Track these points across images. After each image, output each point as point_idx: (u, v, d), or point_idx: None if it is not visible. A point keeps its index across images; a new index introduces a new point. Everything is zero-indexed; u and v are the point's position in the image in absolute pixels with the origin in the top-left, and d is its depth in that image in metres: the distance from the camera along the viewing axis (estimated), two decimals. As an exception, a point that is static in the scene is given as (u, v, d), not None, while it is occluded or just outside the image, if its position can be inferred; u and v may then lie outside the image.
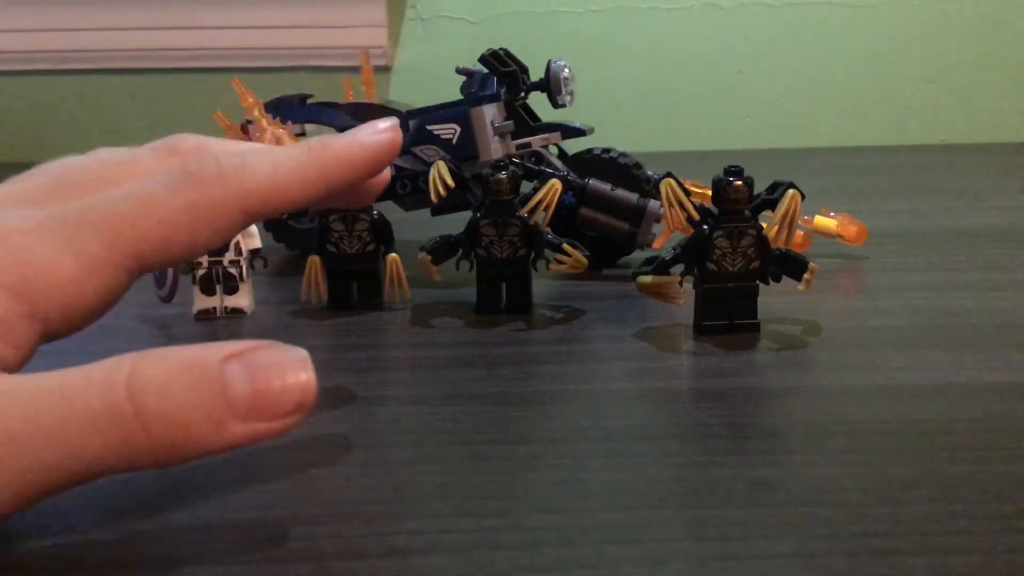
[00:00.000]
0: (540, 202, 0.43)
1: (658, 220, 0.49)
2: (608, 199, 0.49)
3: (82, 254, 0.25)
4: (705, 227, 0.40)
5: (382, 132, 0.30)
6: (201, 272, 0.44)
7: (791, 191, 0.39)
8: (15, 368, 0.25)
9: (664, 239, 0.51)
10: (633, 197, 0.49)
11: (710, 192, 0.40)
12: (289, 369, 0.23)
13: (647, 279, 0.40)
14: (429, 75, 0.99)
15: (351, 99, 0.57)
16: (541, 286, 0.47)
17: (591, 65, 0.96)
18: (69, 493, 0.23)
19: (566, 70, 0.52)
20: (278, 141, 0.51)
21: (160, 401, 0.22)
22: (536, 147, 0.51)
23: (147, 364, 0.22)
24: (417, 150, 0.51)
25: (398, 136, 0.30)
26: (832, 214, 0.54)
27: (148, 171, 0.28)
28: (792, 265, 0.40)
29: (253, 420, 0.22)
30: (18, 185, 0.27)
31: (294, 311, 0.45)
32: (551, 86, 0.51)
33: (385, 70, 1.01)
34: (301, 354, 0.23)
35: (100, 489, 0.25)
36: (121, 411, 0.22)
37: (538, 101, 0.52)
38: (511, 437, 0.31)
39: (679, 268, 0.40)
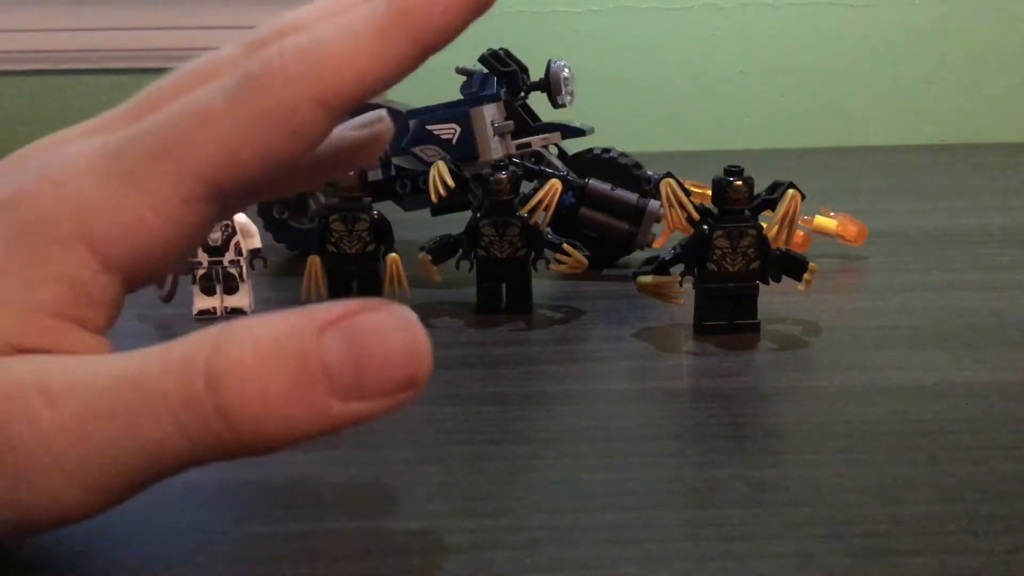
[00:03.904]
0: (540, 202, 0.43)
1: (658, 220, 0.49)
2: (608, 199, 0.49)
3: (143, 189, 0.22)
4: (705, 227, 0.40)
5: None
6: (201, 272, 0.44)
7: (791, 191, 0.39)
8: (104, 327, 0.23)
9: (664, 239, 0.51)
10: (633, 197, 0.49)
11: (710, 192, 0.40)
12: (397, 335, 0.20)
13: (647, 279, 0.40)
14: (429, 75, 0.99)
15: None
16: (541, 286, 0.47)
17: (591, 65, 0.96)
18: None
19: (566, 70, 0.52)
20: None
21: (243, 388, 0.19)
22: (536, 147, 0.51)
23: (230, 342, 0.20)
24: (417, 150, 0.51)
25: None
26: (832, 214, 0.54)
27: (220, 76, 0.23)
28: (792, 265, 0.40)
29: (357, 399, 0.19)
30: (109, 111, 0.24)
31: (294, 311, 0.45)
32: (551, 86, 0.51)
33: (385, 70, 1.01)
34: (409, 316, 0.20)
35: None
36: (199, 401, 0.19)
37: (538, 101, 0.52)
38: (511, 437, 0.31)
39: (679, 268, 0.40)
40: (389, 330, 0.20)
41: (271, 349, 0.19)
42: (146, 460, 0.20)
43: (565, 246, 0.43)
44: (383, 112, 0.29)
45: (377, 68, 0.22)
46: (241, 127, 0.22)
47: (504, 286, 0.44)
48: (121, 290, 0.23)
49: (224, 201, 0.23)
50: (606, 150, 0.51)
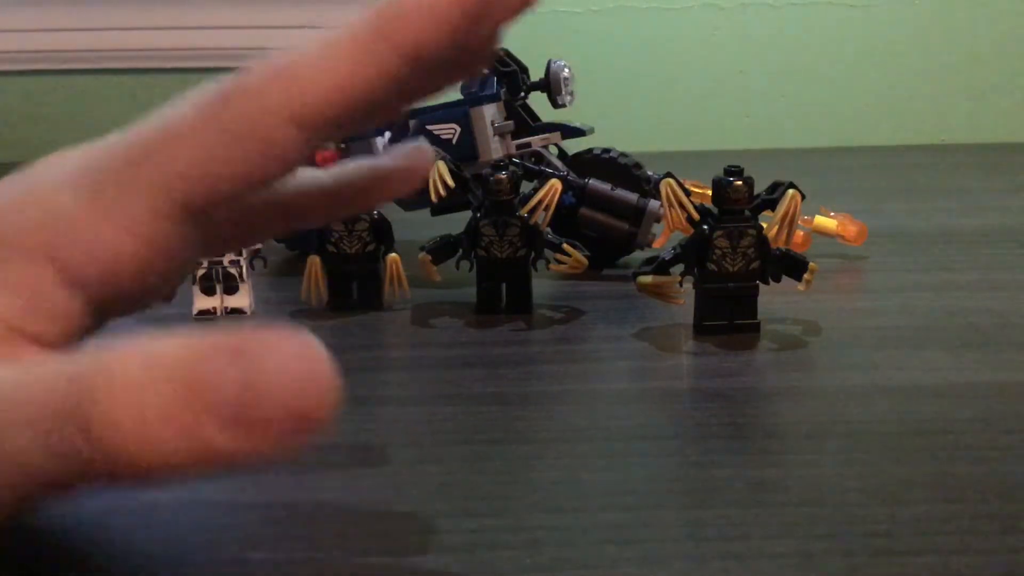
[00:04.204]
0: (540, 202, 0.43)
1: (658, 220, 0.49)
2: (608, 199, 0.49)
3: (110, 203, 0.21)
4: (705, 227, 0.40)
5: None
6: (201, 272, 0.44)
7: (791, 191, 0.39)
8: (60, 343, 0.21)
9: (664, 239, 0.51)
10: (633, 197, 0.49)
11: (710, 192, 0.40)
12: (294, 365, 0.17)
13: (647, 279, 0.40)
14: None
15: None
16: (541, 286, 0.47)
17: (591, 65, 0.96)
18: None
19: (566, 70, 0.52)
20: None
21: (115, 402, 0.17)
22: (536, 147, 0.51)
23: (117, 356, 0.18)
24: (417, 150, 0.51)
25: None
26: (832, 214, 0.54)
27: None
28: (792, 265, 0.40)
29: (241, 428, 0.17)
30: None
31: (294, 311, 0.45)
32: (551, 86, 0.51)
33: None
34: (315, 347, 0.18)
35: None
36: (67, 415, 0.18)
37: (538, 101, 0.52)
38: (511, 437, 0.31)
39: (679, 268, 0.40)
40: (287, 358, 0.17)
41: (158, 365, 0.18)
42: (5, 479, 0.19)
43: (565, 246, 0.43)
44: (422, 143, 0.28)
45: (355, 82, 0.20)
46: (209, 142, 0.21)
47: (504, 286, 0.44)
48: (84, 307, 0.22)
49: (200, 219, 0.22)
50: (606, 150, 0.51)
